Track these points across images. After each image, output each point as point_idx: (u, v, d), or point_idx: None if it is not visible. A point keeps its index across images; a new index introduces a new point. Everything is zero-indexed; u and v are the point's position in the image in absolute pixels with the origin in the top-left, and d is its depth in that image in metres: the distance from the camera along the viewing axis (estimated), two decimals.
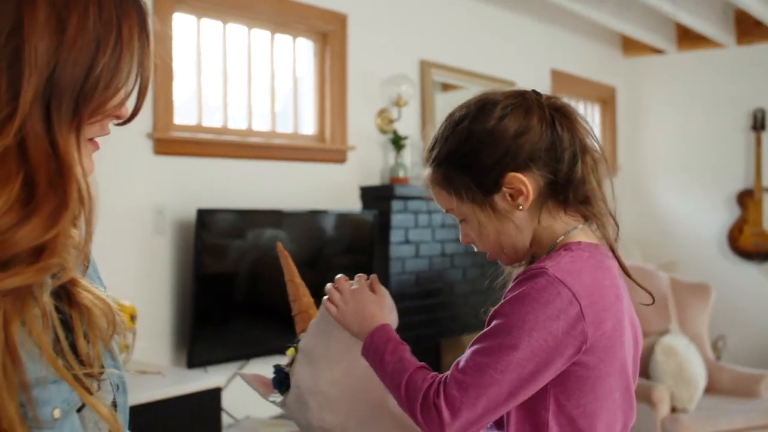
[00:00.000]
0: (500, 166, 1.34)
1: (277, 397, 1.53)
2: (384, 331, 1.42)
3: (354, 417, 1.48)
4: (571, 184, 1.36)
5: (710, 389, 4.70)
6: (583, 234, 1.37)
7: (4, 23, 0.88)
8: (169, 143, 3.54)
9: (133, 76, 0.99)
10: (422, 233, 4.54)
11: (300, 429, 1.55)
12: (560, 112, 1.37)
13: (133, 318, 2.84)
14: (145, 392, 2.73)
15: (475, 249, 1.46)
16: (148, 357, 3.30)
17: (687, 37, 6.46)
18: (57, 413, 0.93)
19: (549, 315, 1.24)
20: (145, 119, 3.46)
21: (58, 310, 0.99)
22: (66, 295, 1.01)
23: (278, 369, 1.54)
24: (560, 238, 1.36)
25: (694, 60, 6.54)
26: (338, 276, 1.52)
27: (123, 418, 1.09)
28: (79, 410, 0.97)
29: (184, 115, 3.71)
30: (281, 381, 1.52)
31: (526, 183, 1.33)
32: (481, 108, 1.38)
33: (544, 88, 5.85)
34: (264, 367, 3.67)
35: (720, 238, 6.40)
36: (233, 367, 3.63)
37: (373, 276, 1.54)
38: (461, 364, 1.28)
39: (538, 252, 1.39)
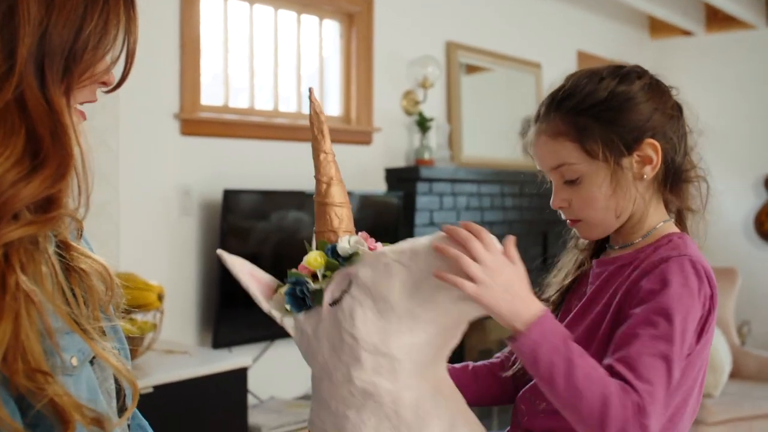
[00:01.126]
0: (642, 129, 1.35)
1: (278, 309, 1.24)
2: (553, 324, 1.20)
3: (413, 391, 1.15)
4: (680, 173, 1.40)
5: (735, 375, 4.70)
6: (673, 226, 1.40)
7: None
8: (196, 124, 3.56)
9: (119, 41, 1.01)
10: (447, 215, 4.55)
11: (307, 359, 1.23)
12: (681, 106, 1.42)
13: (160, 298, 2.86)
14: (172, 372, 2.77)
15: (563, 216, 1.42)
16: (174, 336, 3.36)
17: (716, 19, 6.42)
18: (75, 361, 0.97)
19: (696, 304, 1.25)
20: (171, 100, 3.49)
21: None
22: (64, 260, 1.03)
23: (299, 281, 1.20)
24: (660, 225, 1.38)
25: (724, 42, 6.48)
26: (464, 223, 1.15)
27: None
28: (90, 363, 1.01)
29: (210, 95, 3.73)
30: (299, 297, 1.20)
31: (659, 152, 1.34)
32: (625, 74, 1.38)
33: (570, 70, 5.83)
34: (285, 350, 3.73)
35: (747, 223, 6.37)
36: (258, 348, 3.70)
37: (510, 238, 1.18)
38: (643, 368, 1.17)
39: (625, 233, 1.39)
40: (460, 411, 1.20)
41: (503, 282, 1.13)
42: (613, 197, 1.34)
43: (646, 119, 1.35)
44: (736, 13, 5.87)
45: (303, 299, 1.20)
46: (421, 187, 4.37)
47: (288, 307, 1.21)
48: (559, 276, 1.51)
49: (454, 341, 1.19)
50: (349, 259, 1.19)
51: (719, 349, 4.44)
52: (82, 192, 1.00)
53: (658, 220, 1.38)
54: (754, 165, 6.34)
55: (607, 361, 1.21)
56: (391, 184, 4.41)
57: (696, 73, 6.63)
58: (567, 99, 1.37)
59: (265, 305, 1.25)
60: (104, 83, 1.06)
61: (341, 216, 1.26)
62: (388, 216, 4.20)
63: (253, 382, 3.55)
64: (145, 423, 1.28)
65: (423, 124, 4.42)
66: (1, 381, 0.89)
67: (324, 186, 1.30)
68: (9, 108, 0.90)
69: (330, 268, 1.20)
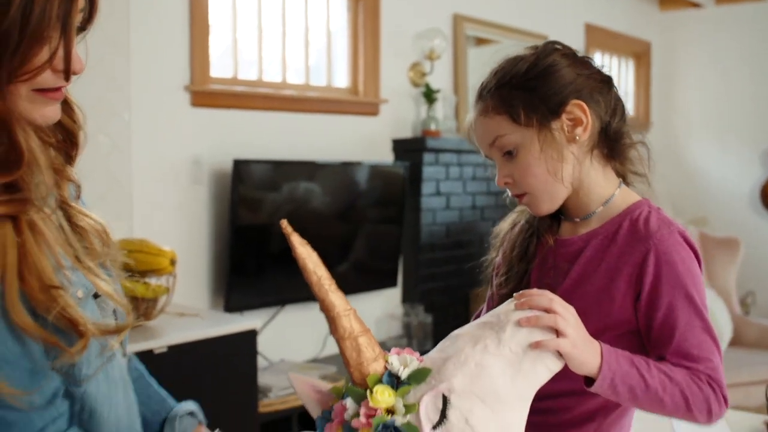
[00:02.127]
0: (565, 91, 1.35)
1: None
2: (613, 353, 1.21)
3: None
4: (619, 138, 1.40)
5: (736, 342, 4.75)
6: (629, 193, 1.41)
7: None
8: (206, 95, 3.58)
9: (56, 38, 0.97)
10: (453, 185, 4.59)
11: None
12: (611, 78, 1.42)
13: (173, 262, 2.86)
14: (183, 333, 2.80)
15: (510, 193, 1.42)
16: (186, 300, 3.38)
17: None
18: (80, 293, 1.03)
19: (699, 272, 1.33)
20: (182, 72, 3.50)
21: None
22: (66, 218, 1.09)
23: (386, 424, 1.06)
24: (617, 192, 1.39)
25: (733, 14, 6.46)
26: (532, 294, 1.15)
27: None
28: (95, 297, 1.07)
29: (220, 68, 3.74)
30: None
31: (587, 113, 1.35)
32: (543, 48, 1.40)
33: (578, 42, 5.87)
34: (294, 315, 3.80)
35: (753, 195, 6.40)
36: (269, 313, 3.73)
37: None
38: (700, 357, 1.25)
39: (580, 203, 1.40)
40: None
41: (583, 334, 1.16)
42: (550, 162, 1.34)
43: (569, 82, 1.36)
44: None
45: None
46: (427, 157, 4.39)
47: None
48: (516, 251, 1.49)
49: None
50: (416, 378, 1.10)
51: (719, 316, 4.49)
52: (72, 155, 1.10)
53: (612, 188, 1.39)
54: (761, 137, 6.35)
55: (665, 357, 1.27)
56: (398, 155, 4.42)
57: (705, 46, 6.63)
58: (492, 80, 1.40)
59: None
60: (66, 71, 1.00)
61: (374, 346, 1.12)
62: (395, 186, 4.21)
63: (264, 345, 3.60)
64: (142, 367, 1.35)
65: (429, 95, 4.42)
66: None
67: (349, 326, 1.12)
68: None
69: (402, 396, 1.08)
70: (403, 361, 1.11)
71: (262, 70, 3.96)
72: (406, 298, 4.48)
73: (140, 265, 2.78)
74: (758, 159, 6.39)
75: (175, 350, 2.73)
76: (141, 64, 3.32)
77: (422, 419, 1.05)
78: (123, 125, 3.19)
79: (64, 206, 1.10)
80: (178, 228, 3.50)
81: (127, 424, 1.12)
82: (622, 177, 1.42)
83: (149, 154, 3.38)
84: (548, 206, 1.39)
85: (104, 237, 1.12)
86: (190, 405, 1.34)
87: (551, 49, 1.39)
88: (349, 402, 1.09)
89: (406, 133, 4.51)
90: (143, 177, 3.35)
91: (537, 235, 1.46)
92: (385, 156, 4.41)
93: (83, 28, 1.04)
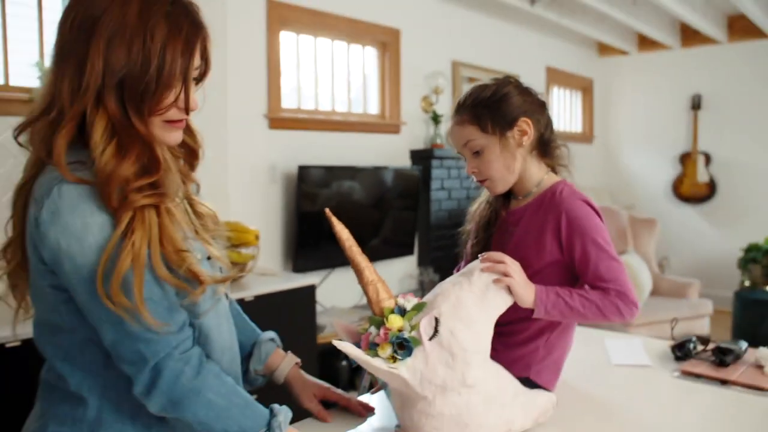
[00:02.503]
0: (517, 111, 1.39)
1: (387, 363, 1.12)
2: (544, 290, 1.28)
3: (489, 372, 1.18)
4: (549, 143, 1.44)
5: (654, 293, 4.72)
6: (552, 177, 1.45)
7: (85, 40, 0.93)
8: (279, 120, 3.59)
9: (179, 87, 0.98)
10: (453, 182, 4.57)
11: (421, 389, 1.12)
12: (545, 103, 1.45)
13: (257, 238, 2.87)
14: (265, 286, 2.80)
15: (474, 179, 1.45)
16: (267, 264, 3.40)
17: (645, 42, 6.31)
18: (198, 256, 1.04)
19: (601, 222, 1.36)
20: (262, 104, 3.50)
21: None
22: (190, 206, 1.12)
23: (397, 336, 1.12)
24: (545, 177, 1.44)
25: (650, 58, 6.39)
26: (491, 254, 1.25)
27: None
28: (208, 259, 1.09)
29: (288, 100, 3.75)
30: (404, 346, 1.12)
31: (531, 126, 1.39)
32: (502, 81, 1.44)
33: (541, 79, 5.83)
34: (341, 275, 3.79)
35: (666, 188, 6.33)
36: (324, 273, 3.74)
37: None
38: (609, 281, 1.29)
39: (522, 186, 1.44)
40: (505, 372, 1.22)
41: (523, 279, 1.24)
42: (505, 159, 1.40)
43: (518, 105, 1.40)
44: (658, 38, 5.79)
45: (406, 347, 1.12)
46: (434, 163, 4.39)
47: (397, 356, 1.12)
48: (480, 221, 1.53)
49: None
50: (416, 309, 1.17)
51: (642, 275, 4.46)
52: (192, 163, 1.13)
53: (542, 175, 1.44)
54: (671, 146, 6.28)
55: (588, 282, 1.31)
56: (414, 161, 4.42)
57: (630, 81, 6.58)
58: (467, 100, 1.42)
59: (384, 367, 1.11)
60: (185, 109, 1.01)
61: (386, 290, 1.20)
62: (412, 184, 4.20)
63: (320, 296, 3.64)
64: (239, 307, 1.36)
65: (436, 119, 4.42)
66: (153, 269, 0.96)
67: (369, 276, 1.20)
68: (107, 129, 0.94)
69: (409, 320, 1.15)
70: (407, 300, 1.18)
71: (318, 102, 3.97)
72: (420, 263, 4.48)
73: (234, 239, 2.79)
74: (670, 162, 6.32)
75: (259, 299, 2.75)
76: (234, 99, 3.33)
77: (422, 333, 1.13)
78: (222, 143, 3.19)
79: (188, 198, 1.12)
80: (260, 213, 3.50)
81: (229, 345, 1.14)
82: (552, 168, 1.46)
83: (240, 162, 3.40)
84: (502, 188, 1.44)
85: (215, 219, 1.15)
86: (271, 333, 1.35)
87: (507, 82, 1.43)
88: (372, 329, 1.16)
89: (420, 145, 4.51)
90: (236, 178, 3.36)
91: (495, 210, 1.51)
92: (405, 162, 4.41)
93: (200, 80, 1.06)
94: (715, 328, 4.93)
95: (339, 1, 3.90)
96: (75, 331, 0.99)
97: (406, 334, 1.13)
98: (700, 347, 1.67)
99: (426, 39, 4.56)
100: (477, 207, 1.55)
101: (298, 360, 1.34)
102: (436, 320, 1.14)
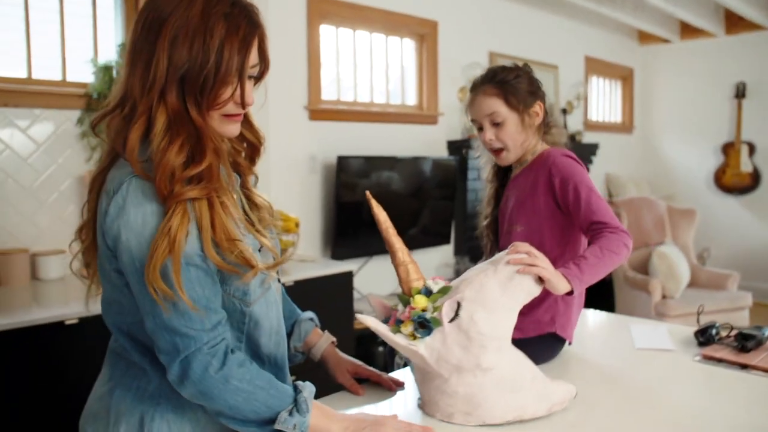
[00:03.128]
0: (535, 95, 1.62)
1: (408, 339, 1.18)
2: (570, 268, 1.33)
3: (507, 358, 1.20)
4: (548, 123, 1.66)
5: (693, 284, 4.69)
6: (545, 146, 1.66)
7: (153, 40, 1.00)
8: (319, 112, 3.66)
9: (235, 83, 1.03)
10: None
11: (438, 366, 1.18)
12: (544, 92, 1.66)
13: (297, 225, 2.95)
14: (304, 272, 2.87)
15: (493, 147, 1.62)
16: (306, 251, 3.49)
17: (687, 30, 6.23)
18: (250, 246, 1.07)
19: (584, 169, 1.56)
20: (302, 96, 3.57)
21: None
22: (247, 198, 1.17)
23: (420, 315, 1.18)
24: (539, 149, 1.64)
25: (693, 47, 6.29)
26: (517, 245, 1.27)
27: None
28: (259, 251, 1.12)
29: (328, 92, 3.81)
30: (425, 325, 1.18)
31: (542, 110, 1.63)
32: (519, 68, 1.64)
33: (580, 69, 5.80)
34: (379, 263, 3.89)
35: (708, 178, 6.24)
36: (361, 260, 3.81)
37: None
38: (599, 214, 1.45)
39: (525, 156, 1.64)
40: (527, 361, 1.24)
41: (550, 266, 1.27)
42: (521, 133, 1.61)
43: (534, 90, 1.61)
44: (701, 25, 5.72)
45: (426, 326, 1.18)
46: (471, 153, 4.36)
47: (417, 334, 1.18)
48: (487, 200, 1.76)
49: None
50: (442, 292, 1.21)
51: (680, 264, 4.44)
52: (253, 158, 1.18)
53: (539, 147, 1.64)
54: (714, 135, 6.19)
55: (586, 225, 1.46)
56: (451, 151, 4.43)
57: (672, 69, 6.49)
58: (493, 76, 1.61)
59: (403, 342, 1.18)
60: (242, 104, 1.05)
61: (417, 271, 1.25)
62: (450, 173, 4.22)
63: (357, 282, 3.70)
64: (283, 289, 1.39)
65: None
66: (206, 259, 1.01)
67: (401, 256, 1.25)
68: (165, 122, 1.00)
69: (434, 302, 1.20)
70: (436, 283, 1.23)
71: (357, 94, 4.02)
72: (457, 252, 4.53)
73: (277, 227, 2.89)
74: (712, 152, 6.23)
75: (299, 284, 2.81)
76: (275, 91, 3.43)
77: (443, 315, 1.18)
78: (264, 134, 3.26)
79: (246, 190, 1.18)
80: (301, 202, 3.58)
81: (276, 329, 1.19)
82: (552, 143, 1.68)
83: (282, 152, 3.47)
84: (513, 158, 1.64)
85: (270, 210, 1.20)
86: (310, 313, 1.42)
87: (524, 69, 1.63)
88: (399, 306, 1.22)
89: (457, 136, 4.52)
90: (277, 168, 3.44)
91: (495, 188, 1.74)
92: (442, 152, 4.43)
93: (259, 78, 1.12)
94: (755, 320, 4.87)
95: None
96: (136, 313, 1.07)
97: (428, 315, 1.18)
98: (723, 333, 1.72)
99: (463, 30, 4.58)
100: (490, 191, 1.76)
101: (334, 339, 1.41)
102: (458, 304, 1.18)
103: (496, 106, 1.59)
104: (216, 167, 1.04)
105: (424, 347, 1.17)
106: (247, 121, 1.16)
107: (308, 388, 1.10)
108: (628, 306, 4.46)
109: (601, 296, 4.78)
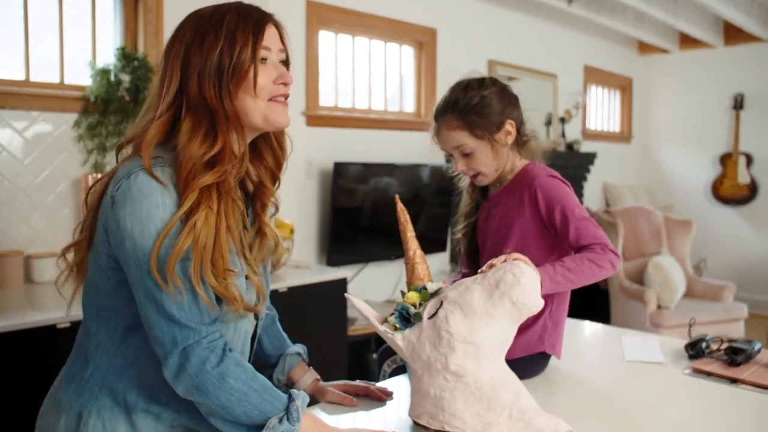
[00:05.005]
0: (503, 115, 1.54)
1: (390, 329, 1.23)
2: (545, 270, 1.36)
3: (489, 372, 1.16)
4: (522, 137, 1.59)
5: (688, 294, 4.70)
6: (524, 162, 1.61)
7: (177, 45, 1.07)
8: (316, 118, 3.67)
9: (252, 67, 1.07)
10: None
11: (411, 361, 1.21)
12: (518, 98, 1.59)
13: (292, 231, 2.95)
14: (298, 278, 2.86)
15: (464, 175, 1.61)
16: (301, 257, 3.49)
17: (687, 41, 6.26)
18: (237, 270, 1.09)
19: (570, 191, 1.53)
20: (300, 102, 3.58)
21: (245, 227, 1.14)
22: (256, 223, 1.17)
23: (404, 307, 1.23)
24: (517, 164, 1.59)
25: (692, 57, 6.32)
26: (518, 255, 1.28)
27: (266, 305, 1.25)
28: (247, 278, 1.13)
29: (326, 98, 3.82)
30: (405, 318, 1.22)
31: (514, 127, 1.55)
32: (484, 83, 1.55)
33: (579, 79, 5.82)
34: (375, 270, 3.89)
35: (706, 189, 6.26)
36: (357, 267, 3.81)
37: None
38: (589, 237, 1.44)
39: (500, 175, 1.58)
40: (520, 384, 1.20)
41: (529, 261, 1.28)
42: (494, 159, 1.55)
43: (502, 109, 1.53)
44: (700, 36, 5.75)
45: (407, 319, 1.21)
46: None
47: (397, 325, 1.22)
48: (463, 210, 1.71)
49: (509, 343, 1.21)
50: (436, 292, 1.24)
51: (675, 275, 4.45)
52: (276, 174, 1.19)
53: (517, 162, 1.59)
54: (711, 146, 6.22)
55: (576, 248, 1.46)
56: (449, 159, 4.43)
57: (671, 79, 6.52)
58: (455, 104, 1.54)
59: (381, 328, 1.24)
60: (281, 83, 1.11)
61: (424, 271, 1.30)
62: (446, 181, 4.08)
63: (352, 289, 3.70)
64: (275, 315, 1.42)
65: None
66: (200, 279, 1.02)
67: (412, 255, 1.31)
68: (197, 108, 1.05)
69: (423, 299, 1.23)
70: (435, 284, 1.26)
71: (355, 100, 4.03)
72: (453, 259, 4.53)
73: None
74: (710, 162, 6.25)
75: (293, 290, 2.81)
76: None
77: (425, 312, 1.21)
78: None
79: (258, 214, 1.18)
80: (296, 208, 3.58)
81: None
82: (531, 155, 1.63)
83: None
84: (489, 180, 1.59)
85: (274, 246, 1.19)
86: (299, 347, 1.41)
87: (488, 84, 1.55)
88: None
89: None
90: None
91: (475, 200, 1.68)
92: (440, 160, 4.40)
93: (287, 62, 1.18)
94: (751, 332, 4.88)
95: (377, 1, 3.98)
96: (110, 296, 1.09)
97: (411, 309, 1.22)
98: (713, 346, 1.73)
99: (462, 38, 4.60)
100: (463, 200, 1.71)
101: (318, 376, 1.41)
102: (441, 303, 1.20)
103: (462, 138, 1.53)
104: (229, 149, 1.06)
105: (401, 338, 1.21)
106: (279, 145, 1.22)
107: (302, 397, 1.10)
108: (623, 316, 4.47)
109: (597, 306, 4.79)
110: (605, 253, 1.43)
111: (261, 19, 1.10)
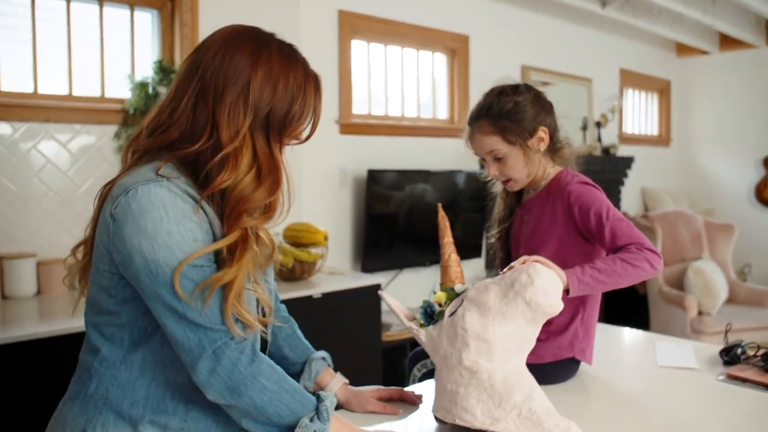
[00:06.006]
0: (536, 121, 1.55)
1: (416, 325, 1.28)
2: (573, 272, 1.35)
3: (502, 370, 1.18)
4: (556, 144, 1.59)
5: (731, 300, 4.61)
6: (557, 169, 1.62)
7: (239, 82, 1.08)
8: (349, 126, 3.70)
9: (309, 118, 1.15)
10: None
11: (433, 356, 1.25)
12: (552, 105, 1.59)
13: (326, 238, 2.95)
14: (333, 285, 2.88)
15: (496, 180, 1.63)
16: (336, 263, 3.52)
17: (727, 41, 6.13)
18: (246, 284, 1.11)
19: (603, 195, 1.53)
20: (333, 110, 3.62)
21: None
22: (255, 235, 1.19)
23: (429, 305, 1.28)
24: (550, 171, 1.60)
25: (732, 58, 6.19)
26: (525, 258, 1.31)
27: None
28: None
29: (359, 106, 3.86)
30: (430, 315, 1.27)
31: (547, 134, 1.56)
32: (519, 90, 1.56)
33: (615, 82, 5.76)
34: (410, 276, 3.92)
35: (749, 192, 6.12)
36: (391, 273, 3.83)
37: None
38: (624, 237, 1.43)
39: (533, 181, 1.60)
40: (535, 386, 1.20)
41: (554, 265, 1.32)
42: (526, 165, 1.56)
43: (535, 116, 1.53)
44: (741, 36, 5.64)
45: (431, 316, 1.26)
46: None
47: (422, 322, 1.27)
48: (497, 216, 1.72)
49: (530, 343, 1.22)
50: (462, 292, 1.27)
51: (717, 280, 4.36)
52: (286, 201, 1.17)
53: (550, 169, 1.60)
54: (754, 149, 6.08)
55: (605, 248, 1.46)
56: (483, 164, 4.41)
57: (711, 82, 6.38)
58: (489, 110, 1.54)
59: (407, 323, 1.29)
60: (297, 138, 1.17)
61: (456, 273, 1.36)
62: (481, 186, 4.14)
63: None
64: (295, 325, 1.42)
65: None
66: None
67: (447, 258, 1.39)
68: (248, 156, 1.07)
69: (449, 299, 1.27)
70: (462, 285, 1.30)
71: (388, 108, 4.05)
72: (488, 266, 4.49)
73: (305, 239, 2.91)
74: (753, 165, 6.11)
75: (328, 296, 2.83)
76: None
77: (447, 310, 1.24)
78: (295, 147, 3.30)
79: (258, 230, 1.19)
80: (331, 215, 3.61)
81: None
82: (565, 162, 1.63)
83: (312, 165, 3.51)
84: (520, 186, 1.61)
85: (272, 252, 1.20)
86: (323, 353, 1.41)
87: (522, 91, 1.55)
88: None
89: None
90: (308, 181, 3.48)
91: (509, 206, 1.69)
92: (475, 166, 4.40)
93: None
94: None
95: (409, 9, 4.00)
96: (114, 314, 1.09)
97: (436, 307, 1.27)
98: (749, 352, 1.70)
99: (495, 44, 4.59)
100: (497, 205, 1.73)
101: (346, 380, 1.42)
102: (462, 301, 1.24)
103: (494, 143, 1.54)
104: (277, 200, 1.11)
105: (424, 333, 1.26)
106: None
107: (330, 399, 1.12)
108: (662, 322, 4.39)
109: (636, 312, 4.72)
110: (641, 252, 1.40)
111: (317, 80, 1.16)
